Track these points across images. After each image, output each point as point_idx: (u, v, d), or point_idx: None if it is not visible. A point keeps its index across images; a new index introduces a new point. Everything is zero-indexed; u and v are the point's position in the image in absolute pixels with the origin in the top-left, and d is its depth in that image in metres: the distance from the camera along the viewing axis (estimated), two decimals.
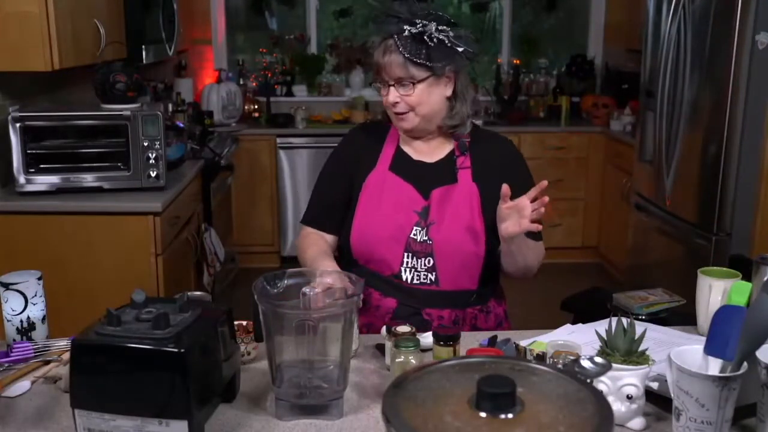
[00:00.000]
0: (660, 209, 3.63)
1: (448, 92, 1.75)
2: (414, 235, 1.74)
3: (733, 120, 3.05)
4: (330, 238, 1.85)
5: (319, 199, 1.88)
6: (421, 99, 1.72)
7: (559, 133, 5.06)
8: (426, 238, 1.74)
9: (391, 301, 1.75)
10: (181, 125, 3.85)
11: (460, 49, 1.69)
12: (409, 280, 1.75)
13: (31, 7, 2.59)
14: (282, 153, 4.93)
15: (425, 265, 1.75)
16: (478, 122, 5.77)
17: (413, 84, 1.70)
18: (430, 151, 1.83)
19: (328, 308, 1.31)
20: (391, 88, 1.72)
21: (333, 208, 1.84)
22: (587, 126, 5.15)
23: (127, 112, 2.87)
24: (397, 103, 1.72)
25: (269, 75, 5.45)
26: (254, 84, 5.46)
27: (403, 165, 1.81)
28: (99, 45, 3.02)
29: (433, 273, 1.75)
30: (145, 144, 2.87)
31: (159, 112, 2.92)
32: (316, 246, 1.80)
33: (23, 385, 1.40)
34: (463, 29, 1.74)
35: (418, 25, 1.68)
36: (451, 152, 1.82)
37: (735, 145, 3.06)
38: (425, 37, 1.67)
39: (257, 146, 4.92)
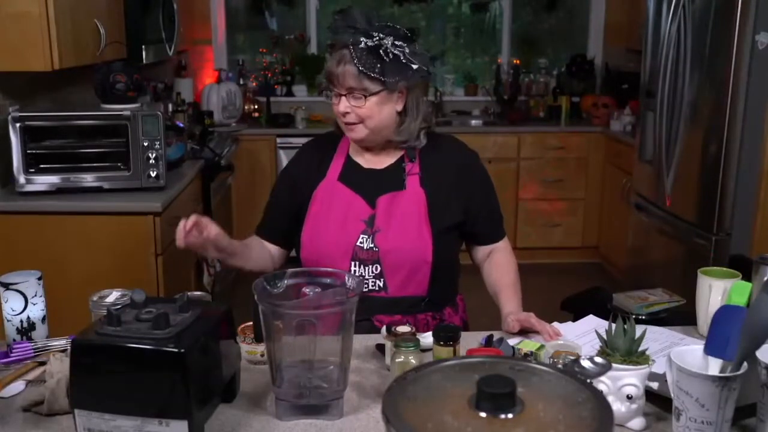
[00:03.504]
0: (660, 209, 3.63)
1: (399, 107, 1.76)
2: (360, 243, 1.76)
3: (733, 120, 3.04)
4: (273, 248, 1.90)
5: (268, 212, 1.93)
6: (371, 112, 1.72)
7: (559, 133, 5.06)
8: (372, 245, 1.75)
9: None
10: (181, 125, 3.85)
11: (415, 66, 1.70)
12: None
13: (31, 7, 2.59)
14: (282, 153, 4.92)
15: (373, 272, 1.76)
16: (478, 122, 5.74)
17: (365, 96, 1.70)
18: (379, 159, 1.84)
19: (328, 308, 1.31)
20: (342, 98, 1.72)
21: (280, 221, 1.88)
22: (587, 126, 5.14)
23: (127, 112, 2.87)
24: (347, 113, 1.73)
25: (269, 75, 5.45)
26: (254, 84, 5.46)
27: (352, 174, 1.83)
28: (99, 45, 3.01)
29: (381, 279, 1.76)
30: (145, 144, 2.87)
31: (159, 112, 2.92)
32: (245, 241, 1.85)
33: (18, 386, 1.40)
34: (419, 46, 1.75)
35: (375, 38, 1.68)
36: (401, 158, 1.83)
37: (735, 145, 3.06)
38: (381, 51, 1.68)
39: (257, 146, 4.91)
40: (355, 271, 1.75)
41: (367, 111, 1.72)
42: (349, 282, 1.38)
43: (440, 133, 1.91)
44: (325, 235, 1.78)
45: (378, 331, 1.63)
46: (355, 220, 1.77)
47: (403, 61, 1.69)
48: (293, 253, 1.91)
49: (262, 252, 1.88)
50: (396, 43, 1.69)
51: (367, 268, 1.76)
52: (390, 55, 1.68)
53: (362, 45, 1.68)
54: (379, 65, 1.67)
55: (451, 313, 1.85)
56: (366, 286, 1.76)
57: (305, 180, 1.85)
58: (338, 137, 1.89)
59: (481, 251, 1.92)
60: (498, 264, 1.88)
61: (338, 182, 1.81)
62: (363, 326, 1.66)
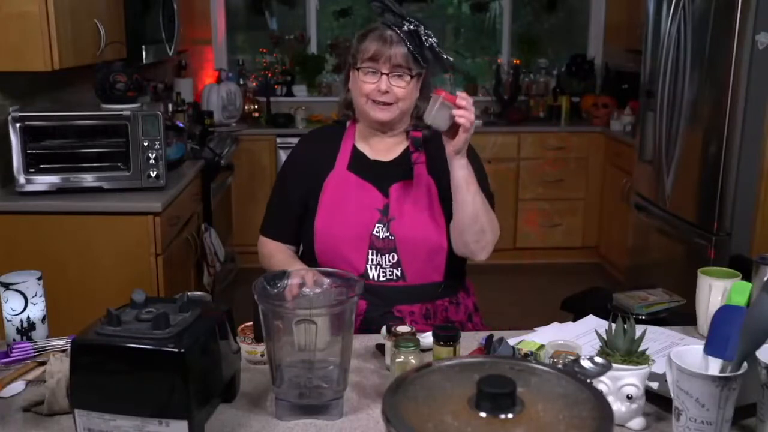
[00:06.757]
0: (660, 209, 3.63)
1: (417, 94, 1.81)
2: (376, 232, 1.77)
3: (733, 120, 3.04)
4: (288, 248, 1.89)
5: (275, 210, 1.91)
6: (408, 93, 1.77)
7: (559, 133, 5.06)
8: (388, 234, 1.77)
9: (360, 304, 1.74)
10: (181, 125, 3.85)
11: (445, 56, 1.76)
12: (375, 278, 1.77)
13: (31, 7, 2.59)
14: (282, 153, 4.92)
15: (390, 261, 1.77)
16: (479, 122, 5.78)
17: (410, 77, 1.75)
18: (386, 150, 1.86)
19: (328, 308, 1.31)
20: (384, 77, 1.74)
21: (289, 218, 1.88)
22: (587, 126, 5.15)
23: (127, 112, 2.87)
24: (387, 92, 1.75)
25: (269, 75, 5.45)
26: (254, 84, 5.47)
27: (361, 164, 1.84)
28: (99, 45, 3.01)
29: (399, 268, 1.77)
30: (145, 144, 2.87)
31: (159, 112, 2.92)
32: (282, 253, 1.86)
33: (18, 386, 1.40)
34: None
35: (413, 23, 1.74)
36: (406, 150, 1.85)
37: (735, 145, 3.06)
38: (421, 36, 1.73)
39: (257, 146, 4.92)
40: (372, 260, 1.77)
41: (406, 92, 1.76)
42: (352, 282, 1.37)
43: None
44: (340, 225, 1.78)
45: (399, 321, 1.64)
46: (370, 209, 1.78)
47: (437, 49, 1.75)
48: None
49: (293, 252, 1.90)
50: (427, 32, 1.75)
51: (384, 257, 1.77)
52: (427, 42, 1.74)
53: (405, 28, 1.73)
54: (420, 49, 1.73)
55: (464, 296, 1.87)
56: (384, 275, 1.77)
57: (312, 171, 1.84)
58: (340, 129, 1.91)
59: (452, 229, 1.77)
60: None
61: (348, 171, 1.82)
62: (385, 319, 1.65)
